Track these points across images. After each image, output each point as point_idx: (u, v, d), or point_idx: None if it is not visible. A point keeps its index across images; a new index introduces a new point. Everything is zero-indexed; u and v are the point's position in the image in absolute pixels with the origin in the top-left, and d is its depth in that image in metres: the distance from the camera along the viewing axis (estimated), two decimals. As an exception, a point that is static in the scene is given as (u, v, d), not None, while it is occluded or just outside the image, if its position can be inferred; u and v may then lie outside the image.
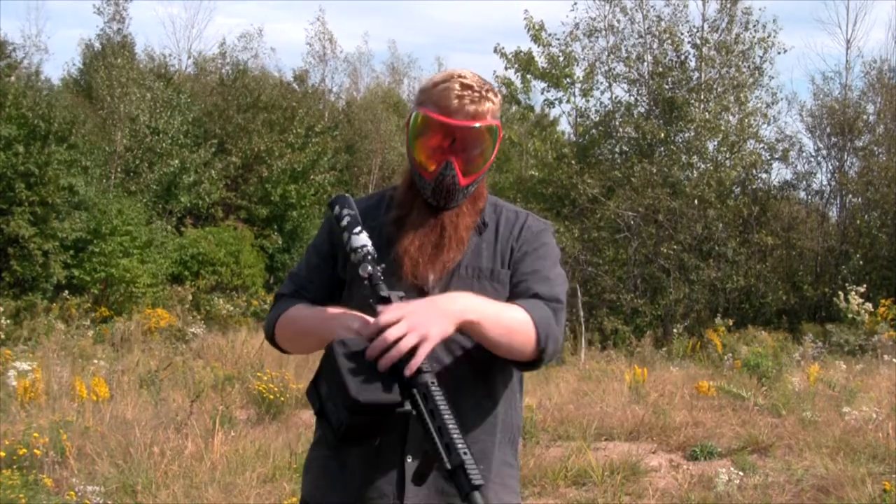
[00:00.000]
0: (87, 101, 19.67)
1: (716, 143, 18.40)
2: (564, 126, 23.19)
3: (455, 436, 1.57)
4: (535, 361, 1.83)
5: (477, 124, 1.85)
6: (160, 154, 19.03)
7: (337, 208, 1.86)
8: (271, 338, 2.00)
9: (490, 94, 1.89)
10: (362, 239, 1.79)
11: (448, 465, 1.55)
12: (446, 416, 1.59)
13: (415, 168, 1.90)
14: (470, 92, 1.85)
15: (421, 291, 1.85)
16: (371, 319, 1.71)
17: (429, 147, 1.86)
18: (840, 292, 14.89)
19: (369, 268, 1.76)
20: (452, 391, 1.83)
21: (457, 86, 1.86)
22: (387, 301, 1.72)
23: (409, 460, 1.81)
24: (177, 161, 19.00)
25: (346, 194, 1.94)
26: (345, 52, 33.17)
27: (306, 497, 1.94)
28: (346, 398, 1.61)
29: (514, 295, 1.89)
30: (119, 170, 18.52)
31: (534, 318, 1.78)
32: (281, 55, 61.50)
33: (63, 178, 14.64)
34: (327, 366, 1.67)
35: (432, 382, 1.63)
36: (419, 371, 1.64)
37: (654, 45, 18.70)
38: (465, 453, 1.55)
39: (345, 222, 1.83)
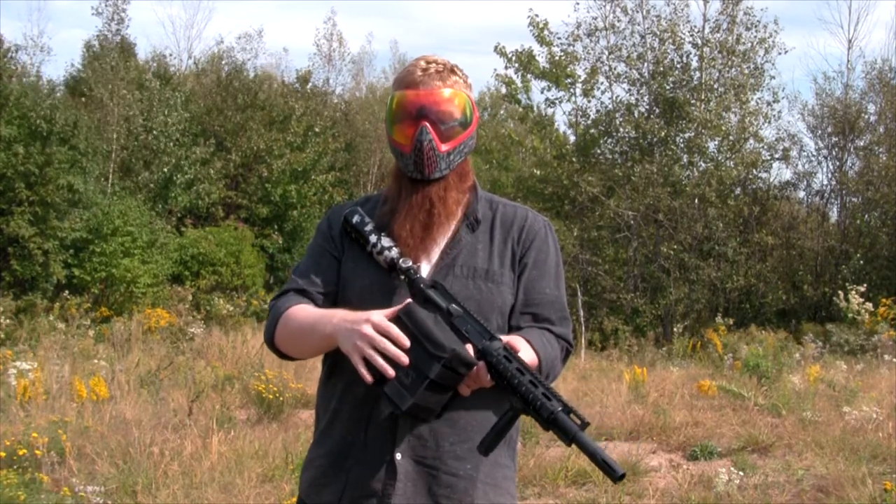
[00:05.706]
0: (85, 101, 19.64)
1: (716, 142, 18.39)
2: (562, 126, 23.13)
3: (549, 384, 1.65)
4: None
5: (443, 88, 1.88)
6: (156, 152, 18.99)
7: (357, 217, 1.92)
8: (271, 339, 1.93)
9: (457, 70, 1.94)
10: (387, 240, 1.88)
11: (557, 409, 1.59)
12: (531, 372, 1.66)
13: (396, 151, 1.92)
14: (434, 65, 1.92)
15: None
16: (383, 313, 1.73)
17: (403, 123, 1.89)
18: (840, 292, 14.88)
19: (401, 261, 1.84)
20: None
21: (422, 62, 1.93)
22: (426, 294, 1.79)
23: (399, 458, 1.82)
24: (172, 159, 18.95)
25: (354, 207, 1.99)
26: (350, 52, 33.08)
27: (303, 496, 1.95)
28: (440, 348, 1.64)
29: (525, 313, 1.91)
30: (115, 168, 18.49)
31: (541, 358, 1.82)
32: (282, 55, 61.36)
33: (63, 178, 14.61)
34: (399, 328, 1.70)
35: (504, 347, 1.69)
36: (492, 337, 1.71)
37: (655, 45, 18.69)
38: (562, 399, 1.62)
39: (369, 227, 1.91)
